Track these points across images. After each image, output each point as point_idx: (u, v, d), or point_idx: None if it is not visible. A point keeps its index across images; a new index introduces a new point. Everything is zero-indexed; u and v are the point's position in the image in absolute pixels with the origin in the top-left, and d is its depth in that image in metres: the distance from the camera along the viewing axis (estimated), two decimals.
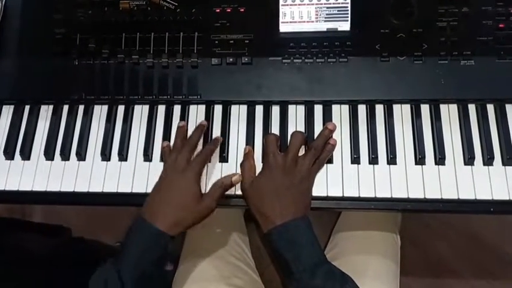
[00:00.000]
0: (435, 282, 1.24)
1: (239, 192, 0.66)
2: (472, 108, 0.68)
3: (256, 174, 0.65)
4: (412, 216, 1.19)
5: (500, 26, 0.68)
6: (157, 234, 0.59)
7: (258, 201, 0.62)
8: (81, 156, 0.70)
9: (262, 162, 0.66)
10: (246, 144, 0.68)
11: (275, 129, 0.69)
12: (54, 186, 0.68)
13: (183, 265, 0.76)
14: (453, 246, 1.26)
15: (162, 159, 0.69)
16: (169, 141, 0.69)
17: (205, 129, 0.68)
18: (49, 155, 0.70)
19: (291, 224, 0.59)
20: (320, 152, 0.65)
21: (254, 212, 0.63)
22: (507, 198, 0.63)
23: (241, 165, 0.66)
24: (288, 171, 0.62)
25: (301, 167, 0.63)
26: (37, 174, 0.69)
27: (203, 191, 0.65)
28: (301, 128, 0.69)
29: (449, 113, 0.67)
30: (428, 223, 1.28)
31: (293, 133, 0.66)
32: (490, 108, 0.67)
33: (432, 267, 1.25)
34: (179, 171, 0.63)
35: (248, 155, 0.66)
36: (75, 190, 0.68)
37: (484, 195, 0.63)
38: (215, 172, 0.67)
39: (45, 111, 0.73)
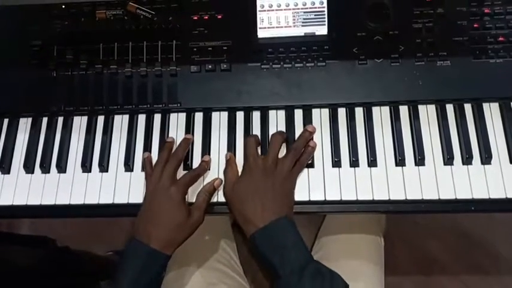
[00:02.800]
0: (426, 280, 1.25)
1: (223, 199, 0.66)
2: (450, 108, 0.68)
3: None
4: (401, 215, 1.19)
5: (475, 25, 0.69)
6: (152, 253, 0.60)
7: (240, 204, 0.62)
8: (62, 168, 0.69)
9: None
10: (228, 151, 0.68)
11: (256, 134, 0.69)
12: (34, 200, 0.68)
13: (171, 272, 0.76)
14: (443, 243, 1.27)
15: (143, 169, 0.68)
16: (150, 151, 0.69)
17: (190, 143, 0.68)
18: (29, 168, 0.69)
19: (273, 225, 0.59)
20: (300, 153, 0.65)
21: (236, 216, 0.63)
22: (487, 197, 0.63)
23: (224, 171, 0.66)
24: (269, 172, 0.62)
25: (282, 168, 0.63)
26: (17, 188, 0.69)
27: (187, 200, 0.66)
28: None
29: (427, 113, 0.68)
30: (418, 221, 1.29)
31: (272, 135, 0.66)
32: (468, 107, 0.68)
33: (422, 265, 1.26)
34: (164, 190, 0.62)
35: (230, 161, 0.66)
36: (56, 203, 0.68)
37: (464, 194, 0.63)
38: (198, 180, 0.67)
39: (24, 124, 0.72)
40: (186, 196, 0.65)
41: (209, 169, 0.67)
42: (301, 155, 0.65)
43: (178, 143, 0.68)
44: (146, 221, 0.62)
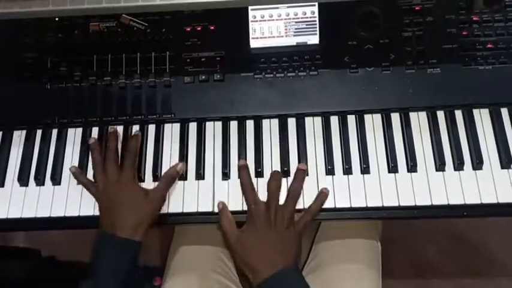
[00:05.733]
0: (422, 284, 1.25)
1: (217, 209, 0.66)
2: (440, 114, 0.69)
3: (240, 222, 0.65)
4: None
5: (464, 33, 0.70)
6: (122, 242, 0.61)
7: (247, 256, 0.63)
8: (56, 180, 0.69)
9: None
10: (222, 160, 0.69)
11: (250, 143, 0.70)
12: (29, 213, 0.68)
13: (167, 283, 0.76)
14: (439, 247, 1.27)
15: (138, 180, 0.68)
16: (145, 161, 0.69)
17: (118, 134, 0.69)
18: (23, 181, 0.69)
19: (279, 275, 0.60)
20: (298, 195, 0.65)
21: (242, 266, 0.63)
22: (479, 202, 0.64)
23: (220, 222, 0.66)
24: (272, 222, 0.63)
25: (283, 217, 0.63)
26: (11, 201, 0.68)
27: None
28: (276, 141, 0.69)
29: (419, 120, 0.69)
30: (413, 225, 1.29)
31: (268, 182, 0.66)
32: (459, 114, 0.69)
33: (419, 269, 1.26)
34: (114, 182, 0.64)
35: (224, 211, 0.66)
36: (51, 215, 0.67)
37: (456, 199, 0.64)
38: (192, 190, 0.68)
39: (18, 137, 0.72)
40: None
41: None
42: (313, 203, 0.65)
43: (172, 154, 0.69)
44: (108, 214, 0.63)
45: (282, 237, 0.63)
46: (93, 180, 0.68)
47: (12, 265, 0.92)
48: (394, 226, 1.24)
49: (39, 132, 0.72)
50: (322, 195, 0.66)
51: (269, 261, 0.61)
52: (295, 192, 0.65)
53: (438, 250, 1.27)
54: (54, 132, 0.72)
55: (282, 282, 0.61)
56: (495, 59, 0.69)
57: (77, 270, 1.06)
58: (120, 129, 0.72)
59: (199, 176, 0.68)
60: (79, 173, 0.68)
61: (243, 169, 0.67)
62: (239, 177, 0.67)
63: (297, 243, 0.64)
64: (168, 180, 0.66)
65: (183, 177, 0.68)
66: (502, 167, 0.66)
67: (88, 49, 0.73)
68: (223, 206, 0.66)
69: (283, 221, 0.63)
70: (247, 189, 0.65)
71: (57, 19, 0.73)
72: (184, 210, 0.66)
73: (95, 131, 0.72)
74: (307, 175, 0.67)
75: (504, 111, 0.68)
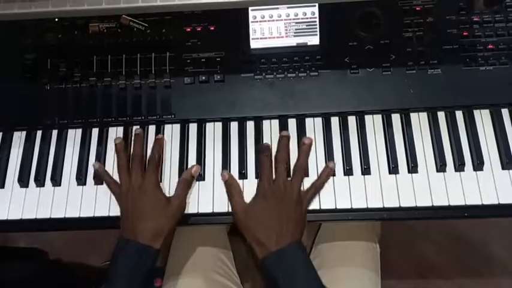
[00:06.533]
0: (422, 284, 1.25)
1: (218, 210, 0.66)
2: (441, 115, 0.69)
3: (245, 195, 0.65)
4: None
5: (465, 34, 0.70)
6: (142, 249, 0.61)
7: (254, 228, 0.63)
8: (57, 181, 0.69)
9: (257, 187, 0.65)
10: (223, 161, 0.68)
11: (250, 144, 0.70)
12: (29, 214, 0.67)
13: (168, 284, 0.76)
14: (438, 247, 1.27)
15: None
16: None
17: (143, 136, 0.69)
18: (23, 182, 0.69)
19: (285, 249, 0.60)
20: (304, 170, 0.65)
21: (249, 238, 0.63)
22: (479, 203, 0.64)
23: (228, 193, 0.66)
24: (281, 198, 0.63)
25: (292, 193, 0.63)
26: (12, 202, 0.68)
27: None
28: (276, 142, 0.69)
29: (419, 121, 0.69)
30: (413, 225, 1.29)
31: (275, 157, 0.66)
32: (459, 115, 0.69)
33: (418, 269, 1.26)
34: (138, 186, 0.64)
35: (231, 182, 0.66)
36: (52, 216, 0.67)
37: (457, 200, 0.64)
38: (193, 190, 0.67)
39: (18, 138, 0.72)
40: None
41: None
42: (318, 179, 0.65)
43: (172, 155, 0.69)
44: (130, 219, 0.63)
45: (290, 211, 0.62)
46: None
47: (18, 266, 0.91)
48: (394, 226, 1.24)
49: (39, 133, 0.72)
50: (328, 169, 0.66)
51: (276, 234, 0.61)
52: (301, 167, 0.65)
53: (438, 250, 1.27)
54: (54, 133, 0.72)
55: (287, 256, 0.60)
56: (496, 60, 0.69)
57: (83, 272, 1.07)
58: (120, 130, 0.72)
59: (200, 177, 0.68)
60: (103, 170, 0.68)
61: (265, 156, 0.66)
62: (261, 150, 0.67)
63: (304, 218, 0.64)
64: (185, 185, 0.66)
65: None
66: (503, 168, 0.66)
67: (88, 50, 0.72)
68: (229, 176, 0.66)
69: (292, 195, 0.63)
70: (268, 165, 0.65)
71: (57, 20, 0.73)
72: (185, 211, 0.66)
73: (95, 132, 0.72)
74: (307, 176, 0.67)
75: (505, 112, 0.68)
